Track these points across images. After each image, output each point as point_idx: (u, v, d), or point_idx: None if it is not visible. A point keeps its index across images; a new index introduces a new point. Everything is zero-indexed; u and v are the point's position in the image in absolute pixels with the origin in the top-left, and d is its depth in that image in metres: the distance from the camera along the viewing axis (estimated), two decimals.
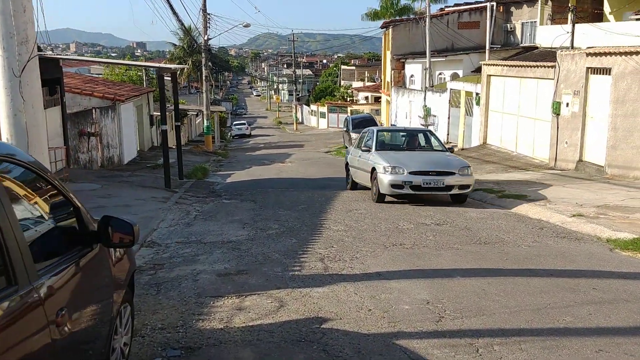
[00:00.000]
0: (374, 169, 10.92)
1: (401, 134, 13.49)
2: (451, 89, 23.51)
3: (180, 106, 40.13)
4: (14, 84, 4.68)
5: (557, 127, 15.31)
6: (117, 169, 18.37)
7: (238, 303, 4.97)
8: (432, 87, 26.48)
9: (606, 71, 12.98)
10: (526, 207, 10.06)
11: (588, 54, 13.56)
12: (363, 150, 11.96)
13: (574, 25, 16.81)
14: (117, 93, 21.68)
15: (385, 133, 13.43)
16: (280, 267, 6.16)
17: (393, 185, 10.40)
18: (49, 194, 2.88)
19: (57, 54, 13.98)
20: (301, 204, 10.83)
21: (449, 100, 23.60)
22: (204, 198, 12.08)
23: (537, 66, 16.44)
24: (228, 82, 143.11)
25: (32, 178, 2.74)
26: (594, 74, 13.61)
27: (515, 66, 17.72)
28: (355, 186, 12.77)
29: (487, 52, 22.15)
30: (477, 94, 20.45)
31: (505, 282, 5.64)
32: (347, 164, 13.55)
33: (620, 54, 12.28)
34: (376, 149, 11.58)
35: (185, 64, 61.36)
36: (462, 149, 20.95)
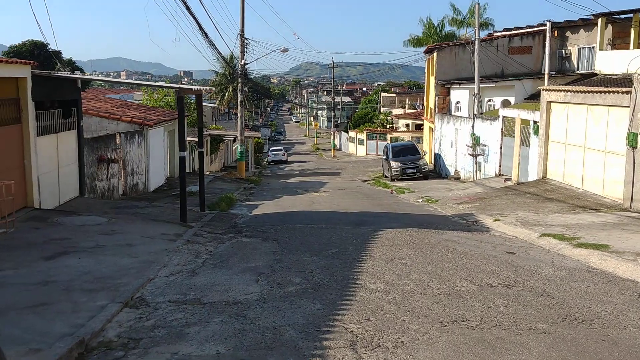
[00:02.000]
0: None
1: None
2: (504, 117, 21.44)
3: (216, 132, 39.51)
4: None
5: (634, 162, 13.09)
6: (140, 197, 17.12)
7: None
8: (482, 114, 24.46)
9: None
10: (613, 263, 7.99)
11: None
12: None
13: None
14: (147, 117, 20.69)
15: None
16: (294, 356, 4.40)
17: None
18: None
19: (64, 73, 12.87)
20: (332, 247, 9.09)
21: (502, 129, 21.51)
22: (222, 235, 10.48)
23: (609, 92, 14.32)
24: (268, 108, 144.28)
25: None
26: None
27: (582, 92, 15.62)
28: None
29: (546, 76, 20.09)
30: (535, 122, 18.35)
31: None
32: None
33: None
34: None
35: (226, 91, 61.57)
36: (518, 184, 18.76)
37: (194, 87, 12.70)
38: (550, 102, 17.34)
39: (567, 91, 16.49)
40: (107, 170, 15.27)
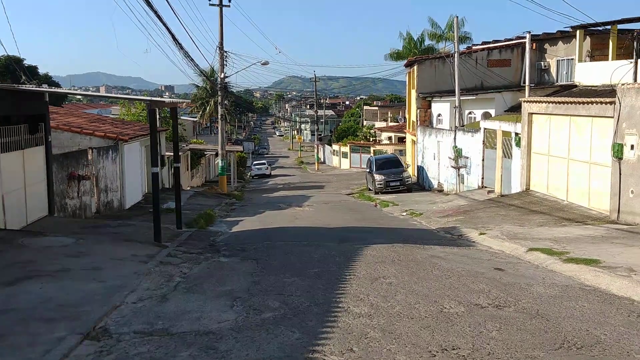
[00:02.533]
0: None
1: None
2: (485, 129, 21.32)
3: (197, 146, 38.86)
4: None
5: (620, 173, 12.93)
6: (114, 215, 16.48)
7: None
8: (463, 126, 24.35)
9: None
10: (606, 279, 7.67)
11: None
12: None
13: (637, 56, 14.60)
14: (122, 132, 20.09)
15: None
16: None
17: None
18: None
19: (29, 86, 12.30)
20: (314, 267, 8.65)
21: (483, 141, 21.37)
22: (198, 255, 9.96)
23: (592, 102, 14.21)
24: (252, 122, 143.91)
25: None
26: None
27: (564, 103, 15.50)
28: None
29: (526, 88, 20.02)
30: (516, 134, 18.21)
31: None
32: None
33: None
34: None
35: (208, 105, 60.97)
36: (502, 196, 18.56)
37: (166, 100, 12.22)
38: (532, 113, 17.22)
39: (549, 102, 16.38)
40: (78, 187, 14.65)
